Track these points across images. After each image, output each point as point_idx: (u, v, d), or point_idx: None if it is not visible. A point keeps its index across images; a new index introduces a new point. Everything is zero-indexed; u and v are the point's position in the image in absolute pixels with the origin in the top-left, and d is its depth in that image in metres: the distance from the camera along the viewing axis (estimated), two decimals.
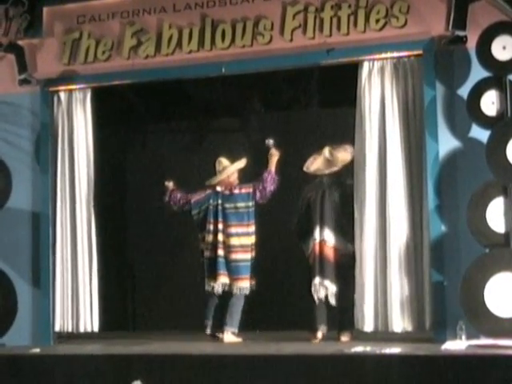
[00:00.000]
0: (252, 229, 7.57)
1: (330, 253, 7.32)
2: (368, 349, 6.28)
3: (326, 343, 7.09)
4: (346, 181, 7.47)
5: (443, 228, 7.04)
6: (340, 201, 7.41)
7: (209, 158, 8.49)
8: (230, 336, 7.45)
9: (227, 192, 7.63)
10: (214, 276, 7.54)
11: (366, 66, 7.43)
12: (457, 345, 6.34)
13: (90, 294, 8.01)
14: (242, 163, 7.76)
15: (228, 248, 7.54)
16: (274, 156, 7.54)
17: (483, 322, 6.56)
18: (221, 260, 7.53)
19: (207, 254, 7.62)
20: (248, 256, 7.54)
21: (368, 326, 7.21)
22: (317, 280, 7.29)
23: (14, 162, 8.04)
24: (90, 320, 8.01)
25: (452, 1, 7.10)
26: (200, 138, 9.10)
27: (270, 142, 7.58)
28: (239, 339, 7.48)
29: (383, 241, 7.26)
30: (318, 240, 7.34)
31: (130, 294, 9.55)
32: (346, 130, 7.89)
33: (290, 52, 7.49)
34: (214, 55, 7.69)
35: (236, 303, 7.52)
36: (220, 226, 7.58)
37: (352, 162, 7.42)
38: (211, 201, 7.66)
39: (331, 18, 7.41)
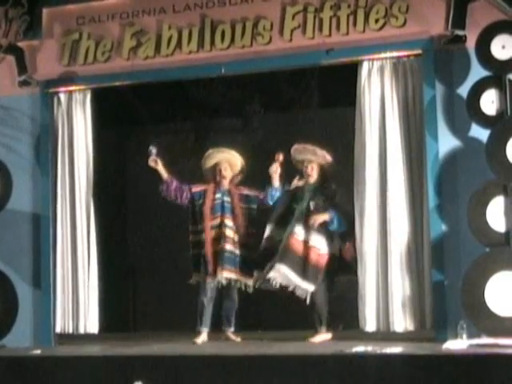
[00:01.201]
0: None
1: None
2: (369, 348, 6.28)
3: (327, 343, 7.09)
4: (330, 185, 7.44)
5: (443, 227, 7.05)
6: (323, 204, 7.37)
7: None
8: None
9: None
10: None
11: (365, 65, 7.44)
12: (458, 344, 6.34)
13: (90, 296, 8.02)
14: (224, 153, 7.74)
15: None
16: None
17: (484, 321, 6.56)
18: None
19: None
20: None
21: (370, 325, 7.21)
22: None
23: (14, 164, 8.03)
24: (90, 321, 8.01)
25: (451, 0, 7.10)
26: (199, 139, 9.10)
27: (153, 150, 7.60)
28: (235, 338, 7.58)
29: (384, 240, 7.26)
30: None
31: (131, 295, 9.55)
32: (346, 130, 7.90)
33: (289, 52, 7.49)
34: (213, 56, 7.69)
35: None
36: None
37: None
38: None
39: (330, 18, 7.42)
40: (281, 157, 7.47)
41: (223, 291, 7.55)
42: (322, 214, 7.25)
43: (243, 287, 7.48)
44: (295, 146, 7.50)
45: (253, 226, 7.63)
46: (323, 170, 7.45)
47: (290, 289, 7.17)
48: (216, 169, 7.66)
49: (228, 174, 7.64)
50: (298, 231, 7.27)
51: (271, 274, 7.15)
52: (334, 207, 7.28)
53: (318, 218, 7.22)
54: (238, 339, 7.56)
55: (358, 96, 7.45)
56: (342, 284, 7.56)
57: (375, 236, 7.31)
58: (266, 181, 7.59)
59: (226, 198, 7.58)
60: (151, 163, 7.62)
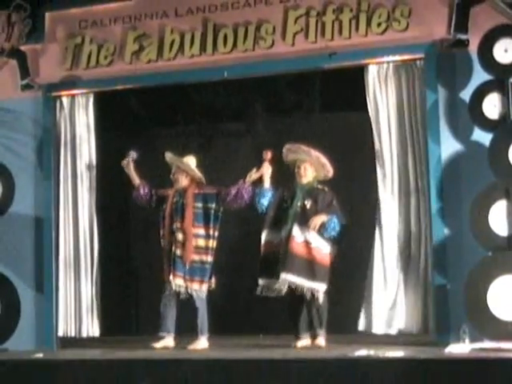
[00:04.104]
0: None
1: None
2: (371, 352, 6.27)
3: (328, 347, 7.07)
4: (323, 188, 7.26)
5: (446, 231, 7.04)
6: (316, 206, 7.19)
7: (211, 161, 8.50)
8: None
9: None
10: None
11: (371, 69, 7.43)
12: (460, 348, 6.33)
13: (92, 299, 8.03)
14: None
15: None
16: None
17: (486, 325, 6.55)
18: None
19: None
20: None
21: (375, 328, 7.21)
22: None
23: (17, 167, 8.06)
24: (92, 325, 8.02)
25: (454, 4, 7.12)
26: (202, 143, 9.10)
27: (133, 155, 7.56)
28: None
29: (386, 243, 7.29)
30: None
31: (133, 298, 9.55)
32: (348, 134, 7.91)
33: (291, 56, 7.50)
34: (216, 59, 7.70)
35: None
36: None
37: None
38: None
39: (333, 22, 7.43)
40: (269, 154, 7.23)
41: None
42: (320, 217, 7.05)
43: (195, 294, 7.26)
44: (287, 146, 7.32)
45: (214, 227, 7.39)
46: (318, 172, 7.26)
47: (301, 291, 7.02)
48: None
49: (180, 177, 7.45)
50: (296, 233, 7.08)
51: (277, 285, 7.01)
52: (331, 212, 7.12)
53: (317, 220, 7.04)
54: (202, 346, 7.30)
55: (365, 100, 7.45)
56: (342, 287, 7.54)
57: (379, 240, 7.33)
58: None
59: (182, 200, 7.41)
60: (123, 163, 7.55)
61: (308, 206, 7.15)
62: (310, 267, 7.03)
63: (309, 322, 7.18)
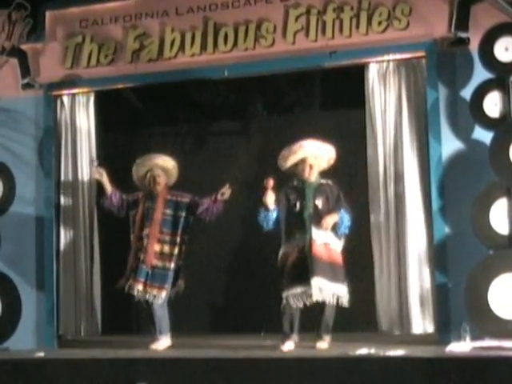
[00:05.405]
0: None
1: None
2: (372, 351, 6.27)
3: (330, 346, 7.06)
4: (327, 182, 7.12)
5: (447, 229, 7.04)
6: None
7: (211, 160, 8.50)
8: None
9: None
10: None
11: (372, 68, 7.44)
12: (461, 346, 6.33)
13: (93, 298, 8.03)
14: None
15: None
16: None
17: (487, 323, 6.55)
18: None
19: None
20: None
21: (376, 327, 7.23)
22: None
23: (18, 166, 8.05)
24: (93, 324, 8.03)
25: (454, 2, 7.10)
26: (203, 141, 9.10)
27: (95, 162, 7.69)
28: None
29: (397, 243, 7.34)
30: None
31: (133, 298, 9.54)
32: (349, 133, 7.90)
33: (292, 55, 7.49)
34: (216, 58, 7.69)
35: None
36: None
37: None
38: None
39: (333, 21, 7.42)
40: (271, 182, 6.96)
41: None
42: (332, 216, 6.92)
43: (152, 299, 7.27)
44: (280, 155, 7.12)
45: (181, 234, 7.36)
46: (321, 163, 7.11)
47: (325, 298, 6.87)
48: (148, 176, 7.44)
49: (162, 180, 7.41)
50: (316, 236, 6.89)
51: (307, 291, 6.80)
52: (340, 207, 6.99)
53: (330, 220, 6.90)
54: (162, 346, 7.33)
55: (366, 98, 7.46)
56: None
57: (385, 238, 7.38)
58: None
59: (153, 205, 7.37)
60: (95, 175, 7.58)
61: (320, 206, 7.01)
62: (331, 269, 6.91)
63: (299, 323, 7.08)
